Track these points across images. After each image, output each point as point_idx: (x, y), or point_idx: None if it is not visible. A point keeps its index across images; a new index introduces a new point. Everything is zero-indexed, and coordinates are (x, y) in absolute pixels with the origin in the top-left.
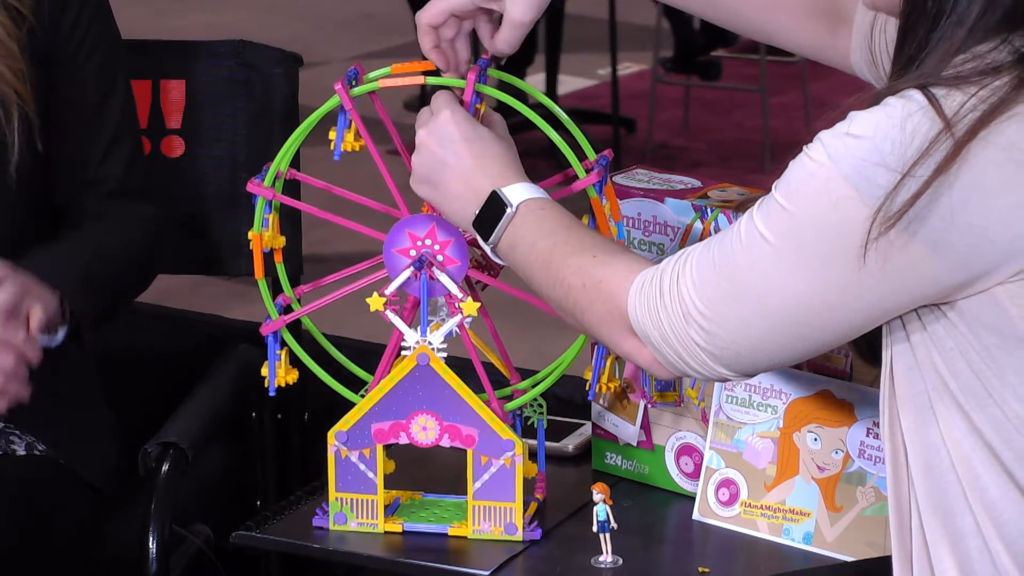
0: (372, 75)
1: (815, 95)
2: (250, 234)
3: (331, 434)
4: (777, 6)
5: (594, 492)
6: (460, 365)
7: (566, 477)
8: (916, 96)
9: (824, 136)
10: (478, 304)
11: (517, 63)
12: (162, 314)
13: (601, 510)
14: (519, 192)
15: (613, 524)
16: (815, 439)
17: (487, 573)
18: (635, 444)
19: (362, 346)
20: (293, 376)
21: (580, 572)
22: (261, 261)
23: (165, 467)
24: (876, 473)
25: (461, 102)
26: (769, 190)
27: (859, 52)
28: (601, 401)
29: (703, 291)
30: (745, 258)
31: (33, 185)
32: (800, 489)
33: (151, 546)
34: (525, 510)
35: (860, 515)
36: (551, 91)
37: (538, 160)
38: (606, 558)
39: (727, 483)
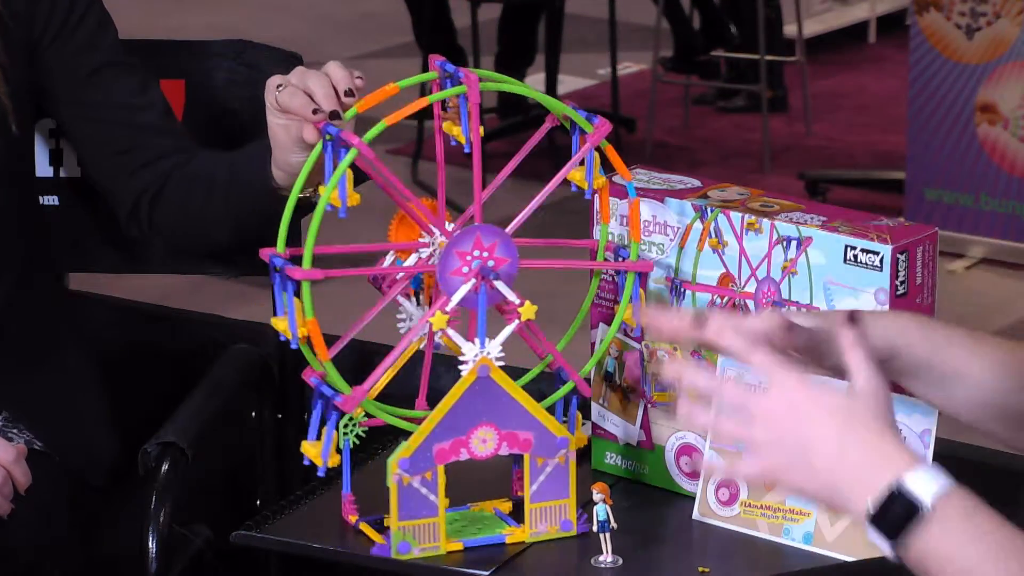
0: (369, 134)
1: (815, 95)
2: (307, 321)
3: (393, 463)
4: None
5: (594, 492)
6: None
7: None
8: None
9: None
10: (535, 308)
11: (517, 63)
12: (162, 314)
13: (601, 510)
14: (927, 482)
15: (613, 524)
16: None
17: (487, 573)
18: (635, 444)
19: (362, 347)
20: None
21: (580, 572)
22: (324, 345)
23: (165, 467)
24: None
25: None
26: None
27: None
28: (602, 400)
29: None
30: None
31: (8, 169)
32: None
33: (151, 546)
34: None
35: None
36: (551, 91)
37: (538, 160)
38: (606, 558)
39: (727, 483)
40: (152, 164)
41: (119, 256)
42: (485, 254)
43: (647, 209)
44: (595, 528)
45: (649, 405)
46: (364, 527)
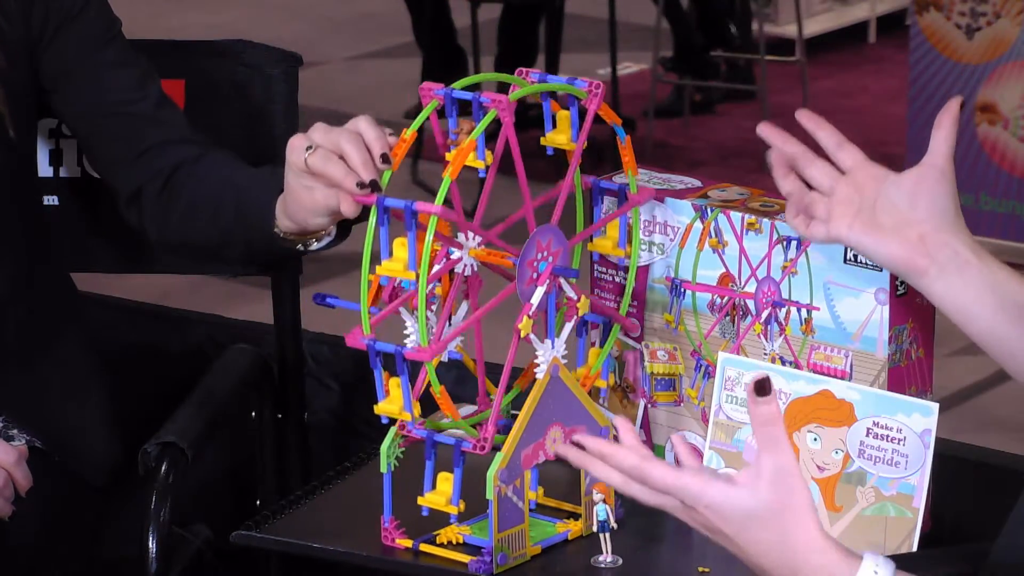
0: (439, 196)
1: (815, 95)
2: (439, 391)
3: (494, 475)
4: None
5: (594, 492)
6: (459, 366)
7: (566, 477)
8: None
9: None
10: (589, 300)
11: (518, 63)
12: (162, 314)
13: (601, 510)
14: None
15: (613, 524)
16: (815, 439)
17: (485, 574)
18: None
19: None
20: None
21: (580, 572)
22: (454, 406)
23: (164, 467)
24: (876, 473)
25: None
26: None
27: None
28: (602, 400)
29: None
30: None
31: (8, 169)
32: None
33: (151, 546)
34: None
35: (860, 515)
36: None
37: (538, 160)
38: (606, 558)
39: None
40: (148, 153)
41: (119, 256)
42: (545, 254)
43: (647, 209)
44: (595, 528)
45: (649, 405)
46: (435, 550)
